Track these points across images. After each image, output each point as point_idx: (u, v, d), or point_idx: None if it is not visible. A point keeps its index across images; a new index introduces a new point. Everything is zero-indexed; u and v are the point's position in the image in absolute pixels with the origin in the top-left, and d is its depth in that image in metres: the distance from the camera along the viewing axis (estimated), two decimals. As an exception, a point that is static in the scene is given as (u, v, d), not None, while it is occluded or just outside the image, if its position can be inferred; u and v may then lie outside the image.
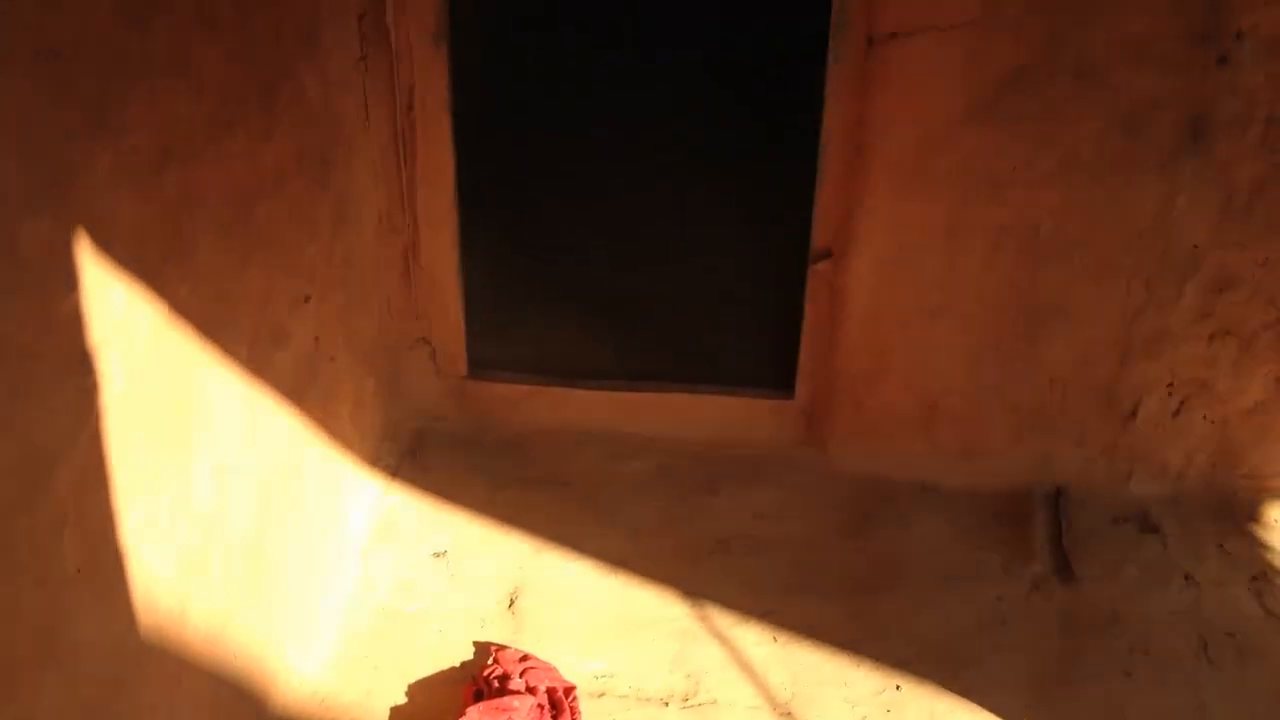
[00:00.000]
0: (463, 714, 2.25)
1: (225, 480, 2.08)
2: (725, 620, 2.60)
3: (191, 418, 1.94)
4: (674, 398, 3.17)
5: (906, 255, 2.82)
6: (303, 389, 2.44)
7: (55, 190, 1.51)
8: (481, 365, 3.18)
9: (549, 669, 2.39)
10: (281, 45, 2.25)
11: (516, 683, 2.32)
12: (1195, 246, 2.71)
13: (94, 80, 1.59)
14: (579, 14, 2.82)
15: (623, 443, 3.13)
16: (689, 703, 2.40)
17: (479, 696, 2.32)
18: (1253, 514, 2.93)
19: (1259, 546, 2.85)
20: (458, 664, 2.47)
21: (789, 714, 2.38)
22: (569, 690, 2.34)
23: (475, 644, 2.52)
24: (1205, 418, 2.89)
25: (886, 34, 2.62)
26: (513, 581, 2.69)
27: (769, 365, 3.14)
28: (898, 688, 2.45)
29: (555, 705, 2.30)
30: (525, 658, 2.41)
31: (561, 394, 3.17)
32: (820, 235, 2.92)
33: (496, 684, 2.32)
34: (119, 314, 1.69)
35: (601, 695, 2.41)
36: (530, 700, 2.27)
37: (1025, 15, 2.54)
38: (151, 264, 1.78)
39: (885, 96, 2.69)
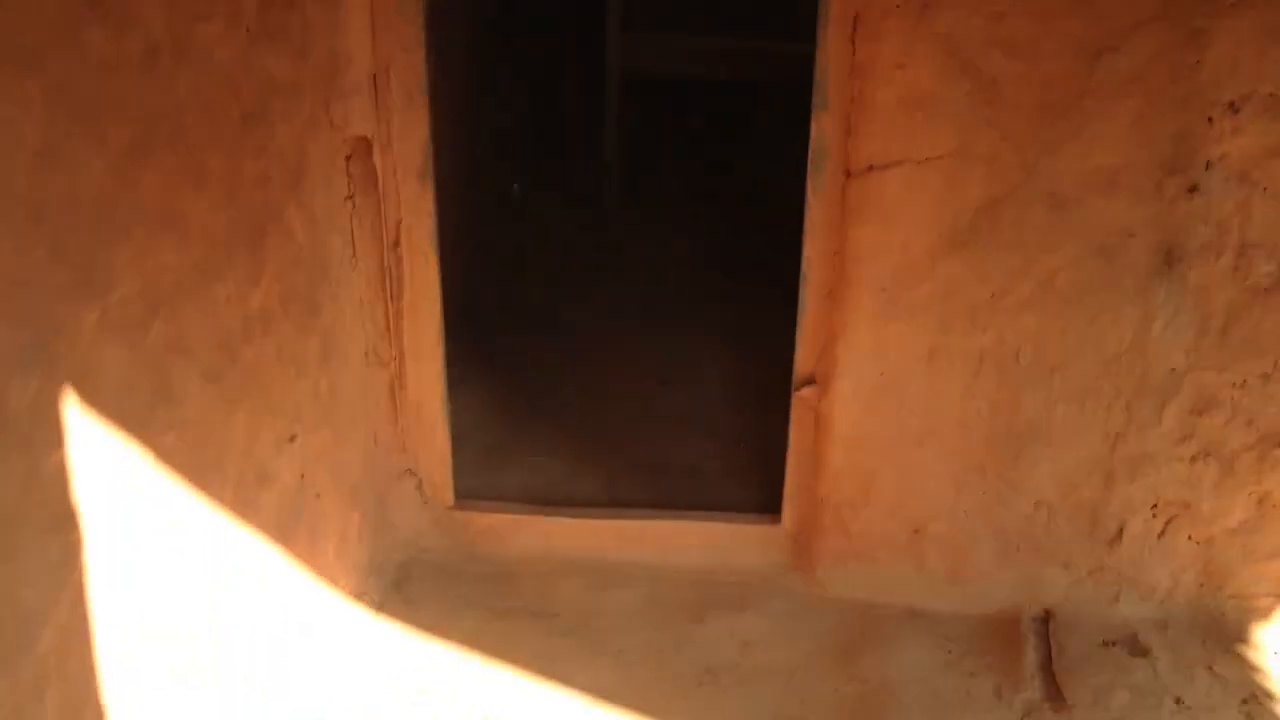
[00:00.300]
0: None
1: (209, 627, 2.07)
2: (716, 755, 2.57)
3: (174, 568, 1.94)
4: (660, 524, 3.16)
5: (889, 381, 2.85)
6: (287, 529, 2.43)
7: (43, 349, 1.53)
8: (468, 495, 3.18)
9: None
10: (270, 190, 2.29)
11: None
12: (1173, 370, 2.74)
13: (83, 238, 1.62)
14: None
15: (610, 571, 3.12)
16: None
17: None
18: (1241, 635, 2.91)
19: (1248, 668, 2.83)
20: (444, 806, 2.44)
21: None
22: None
23: (462, 784, 2.49)
24: (1190, 539, 2.89)
25: (864, 167, 2.68)
26: (498, 716, 2.66)
27: (755, 491, 3.15)
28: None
29: None
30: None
31: (548, 523, 3.16)
32: (803, 362, 2.95)
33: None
34: (104, 468, 1.69)
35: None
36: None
37: (998, 147, 2.60)
38: (137, 414, 1.79)
39: (864, 227, 2.73)
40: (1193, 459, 2.81)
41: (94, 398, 1.65)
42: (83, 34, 1.61)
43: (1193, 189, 2.58)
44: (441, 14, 2.93)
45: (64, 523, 1.60)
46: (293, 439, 2.45)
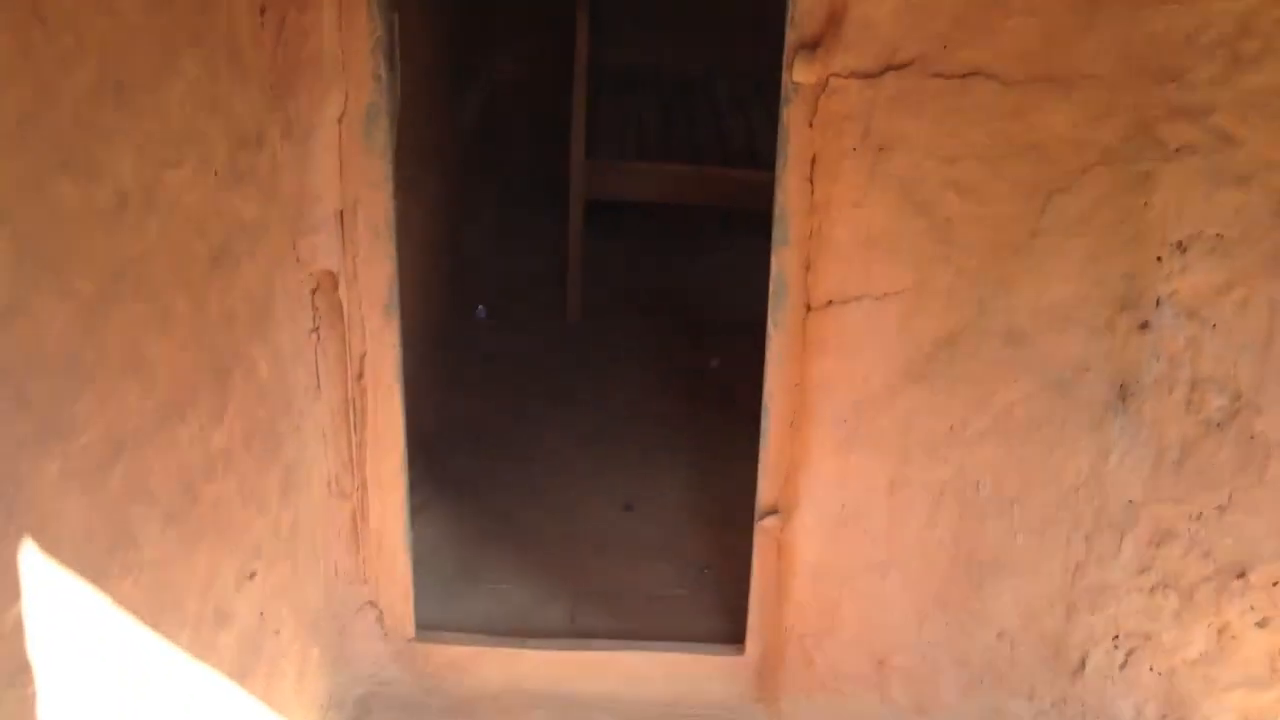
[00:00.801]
0: None
1: (163, 774, 2.03)
2: None
3: (131, 714, 1.91)
4: (625, 655, 3.14)
5: (851, 512, 2.86)
6: (246, 668, 2.40)
7: (3, 502, 1.52)
8: (429, 626, 3.15)
9: None
10: (235, 328, 2.31)
11: None
12: (1131, 502, 2.77)
13: (46, 389, 1.62)
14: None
15: (574, 704, 3.08)
16: None
17: None
18: (1207, 766, 2.91)
19: (1215, 801, 2.82)
20: None
21: None
22: None
23: None
24: (1152, 669, 2.90)
25: (824, 302, 2.72)
26: None
27: (720, 620, 3.14)
28: None
29: None
30: None
31: (511, 654, 3.13)
32: (766, 492, 2.96)
33: None
34: (61, 617, 1.67)
35: None
36: None
37: (954, 284, 2.66)
38: (96, 561, 1.77)
39: (825, 360, 2.77)
40: (1152, 590, 2.83)
41: (52, 548, 1.64)
42: (52, 187, 1.63)
43: (1144, 325, 2.64)
44: (413, 148, 2.99)
45: (19, 676, 1.58)
46: (252, 576, 2.43)
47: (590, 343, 4.86)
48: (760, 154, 5.14)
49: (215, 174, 2.20)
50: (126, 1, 1.84)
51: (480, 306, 5.06)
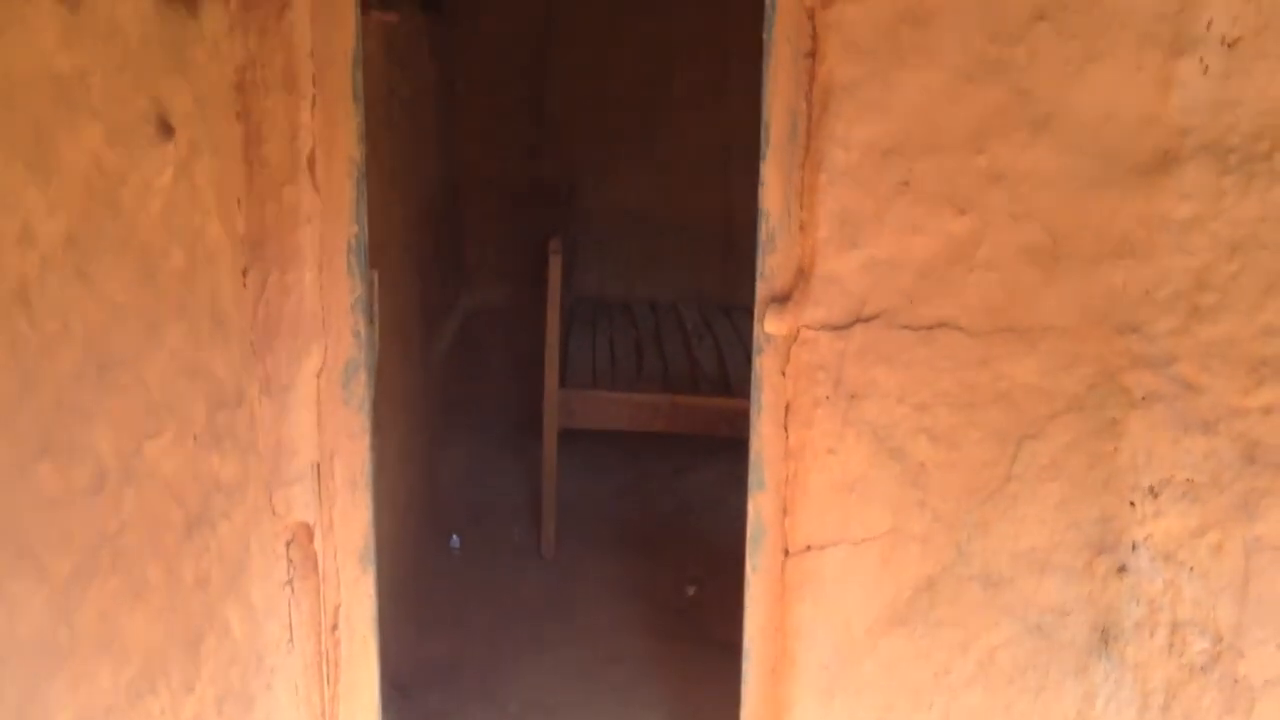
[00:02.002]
0: None
1: None
2: None
3: None
4: None
5: (836, 762, 2.80)
6: None
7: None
8: None
9: None
10: (209, 591, 2.28)
11: None
12: (1120, 747, 2.72)
13: (19, 677, 1.58)
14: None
15: None
16: None
17: None
18: None
19: None
20: None
21: None
22: None
23: None
24: None
25: (802, 547, 2.72)
26: None
27: None
28: None
29: None
30: None
31: None
32: (748, 741, 2.90)
33: None
34: None
35: None
36: None
37: (931, 529, 2.67)
38: None
39: (804, 605, 2.75)
40: (1147, 840, 2.76)
41: (14, 847, 1.58)
42: (32, 472, 1.63)
43: (1122, 569, 2.64)
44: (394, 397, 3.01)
45: None
46: None
47: (565, 575, 4.82)
48: (732, 379, 5.22)
49: (194, 438, 2.21)
50: (112, 282, 1.88)
51: (455, 536, 5.02)
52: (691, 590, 4.68)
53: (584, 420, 4.96)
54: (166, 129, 2.10)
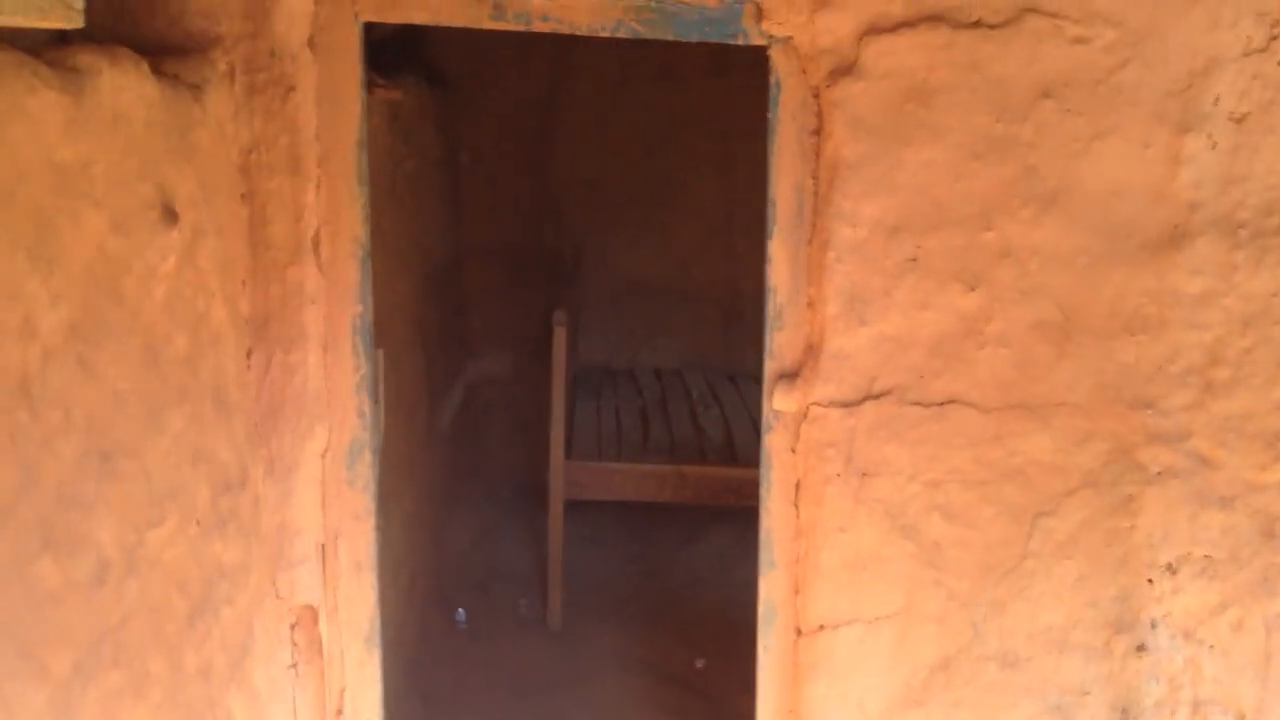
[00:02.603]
0: None
1: None
2: None
3: None
4: None
5: None
6: None
7: None
8: None
9: None
10: (211, 680, 2.23)
11: None
12: (1143, 832, 2.66)
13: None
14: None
15: None
16: None
17: None
18: None
19: None
20: None
21: None
22: None
23: None
24: None
25: (814, 626, 2.68)
26: None
27: None
28: None
29: None
30: None
31: None
32: (762, 827, 2.83)
33: None
34: None
35: None
36: None
37: (946, 607, 2.62)
38: None
39: (817, 685, 2.70)
40: None
41: None
42: (33, 568, 1.60)
43: (1141, 647, 2.60)
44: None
45: None
46: None
47: (572, 647, 4.76)
48: (739, 448, 5.19)
49: (197, 524, 2.18)
50: (115, 369, 1.86)
51: (460, 610, 4.97)
52: (701, 663, 4.62)
53: (590, 492, 4.92)
54: (170, 215, 2.09)
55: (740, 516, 4.76)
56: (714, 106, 6.24)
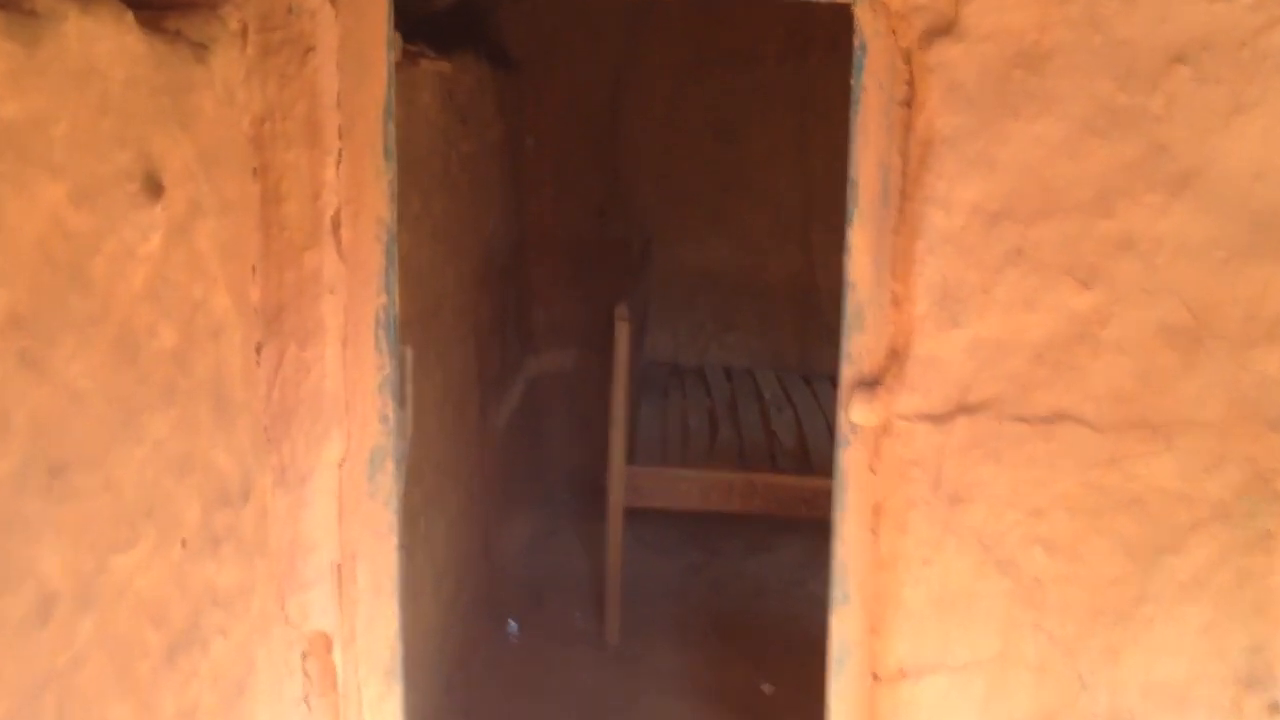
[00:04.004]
0: None
1: None
2: None
3: None
4: None
5: None
6: None
7: None
8: None
9: None
10: (197, 723, 1.96)
11: None
12: None
13: None
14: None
15: None
16: None
17: None
18: None
19: None
20: None
21: None
22: None
23: None
24: None
25: (894, 672, 2.34)
26: None
27: None
28: None
29: None
30: None
31: None
32: None
33: None
34: None
35: None
36: None
37: (1047, 655, 2.28)
38: None
39: (896, 738, 2.37)
40: None
41: None
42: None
43: (1275, 707, 2.23)
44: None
45: None
46: None
47: (629, 667, 4.45)
48: (813, 455, 4.84)
49: (182, 545, 1.90)
50: (75, 366, 1.58)
51: (511, 622, 4.68)
52: (768, 689, 4.29)
53: (652, 499, 4.59)
54: (155, 187, 1.81)
55: (814, 525, 4.45)
56: (791, 89, 5.90)
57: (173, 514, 1.87)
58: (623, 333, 4.41)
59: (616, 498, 4.48)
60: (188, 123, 1.96)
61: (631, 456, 4.62)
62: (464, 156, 4.24)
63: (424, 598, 3.44)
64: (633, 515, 4.69)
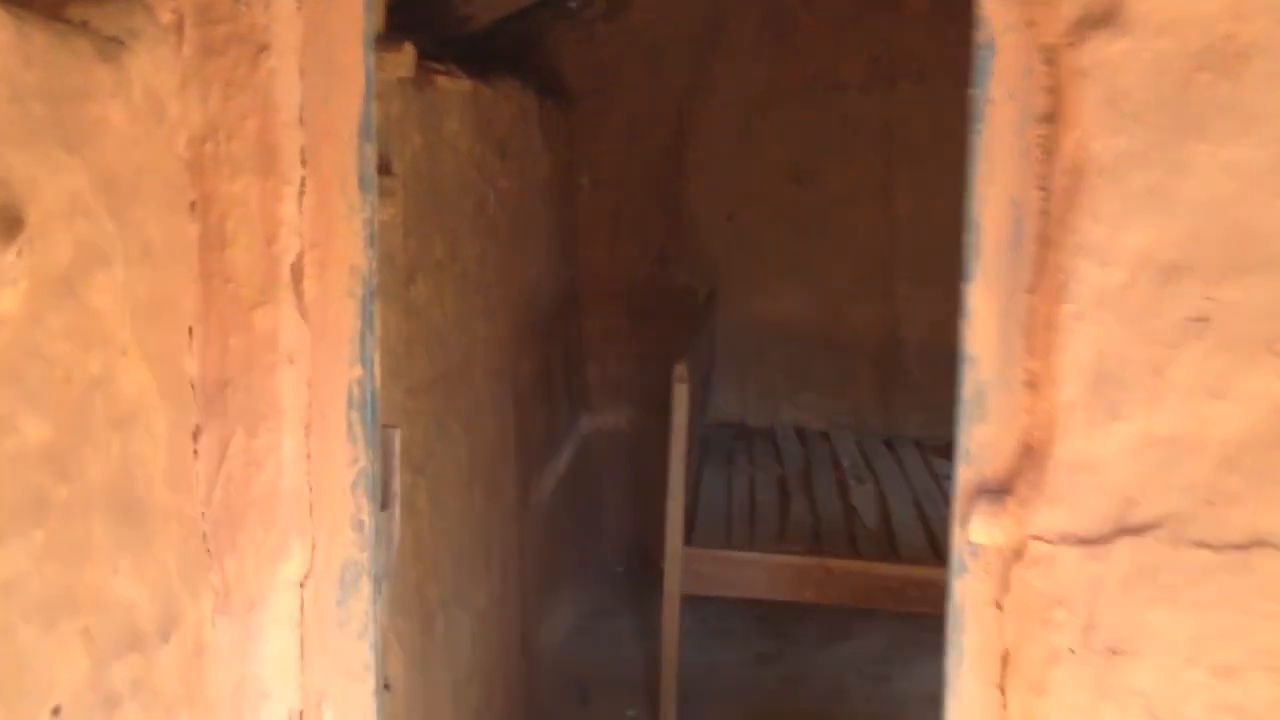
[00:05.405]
0: None
1: None
2: None
3: None
4: None
5: None
6: None
7: None
8: None
9: None
10: None
11: None
12: None
13: None
14: None
15: None
16: None
17: None
18: None
19: None
20: None
21: None
22: None
23: None
24: None
25: None
26: None
27: None
28: None
29: None
30: None
31: None
32: None
33: None
34: None
35: None
36: None
37: None
38: None
39: None
40: None
41: None
42: None
43: None
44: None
45: None
46: None
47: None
48: (899, 536, 4.25)
49: (53, 715, 1.38)
50: None
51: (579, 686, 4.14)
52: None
53: (713, 586, 4.05)
54: (7, 226, 1.31)
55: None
56: (874, 124, 5.35)
57: (34, 678, 1.35)
58: (681, 395, 3.88)
59: (673, 585, 3.94)
60: (80, 139, 1.47)
61: (691, 535, 4.08)
62: (503, 194, 3.76)
63: (440, 713, 2.92)
64: (694, 596, 4.16)
